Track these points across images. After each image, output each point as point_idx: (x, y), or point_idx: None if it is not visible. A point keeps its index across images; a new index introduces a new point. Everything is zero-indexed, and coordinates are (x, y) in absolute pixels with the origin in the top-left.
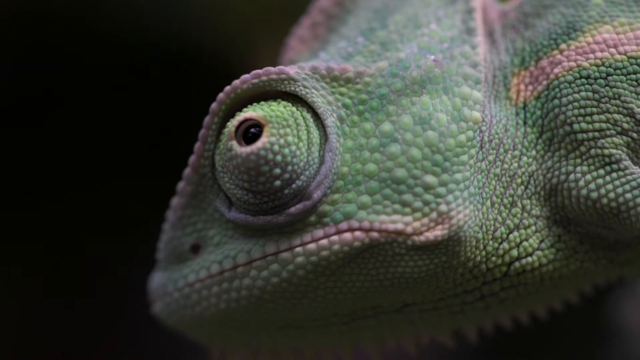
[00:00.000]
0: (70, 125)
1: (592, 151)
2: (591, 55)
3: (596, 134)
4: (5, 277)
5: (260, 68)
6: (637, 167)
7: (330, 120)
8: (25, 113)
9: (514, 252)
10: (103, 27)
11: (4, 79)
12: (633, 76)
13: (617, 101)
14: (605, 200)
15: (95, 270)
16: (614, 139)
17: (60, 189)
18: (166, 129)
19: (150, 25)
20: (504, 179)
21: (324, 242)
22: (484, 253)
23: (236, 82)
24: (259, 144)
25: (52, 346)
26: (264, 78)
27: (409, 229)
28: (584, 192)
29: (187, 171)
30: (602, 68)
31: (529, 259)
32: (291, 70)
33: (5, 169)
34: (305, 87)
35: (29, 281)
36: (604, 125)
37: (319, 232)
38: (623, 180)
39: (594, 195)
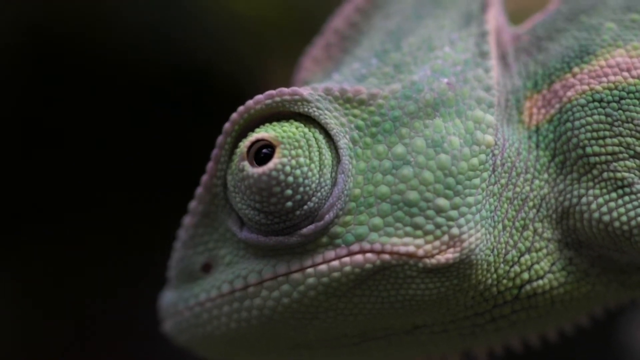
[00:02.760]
0: (83, 143)
1: (605, 174)
2: (604, 79)
3: (609, 157)
4: (13, 293)
5: (273, 88)
6: None
7: (343, 142)
8: (42, 128)
9: (525, 275)
10: (115, 49)
11: (19, 99)
12: None
13: (630, 124)
14: (617, 224)
15: (105, 289)
16: (627, 162)
17: (72, 206)
18: (178, 149)
19: (162, 46)
20: (515, 202)
21: (335, 263)
22: (495, 276)
23: (249, 102)
24: (270, 164)
25: None
26: (277, 99)
27: (421, 252)
28: (595, 215)
29: (199, 190)
30: (615, 92)
31: (540, 281)
32: (304, 91)
33: (19, 183)
34: (318, 108)
35: (36, 298)
36: (616, 149)
37: (331, 254)
38: (635, 203)
39: (606, 218)
